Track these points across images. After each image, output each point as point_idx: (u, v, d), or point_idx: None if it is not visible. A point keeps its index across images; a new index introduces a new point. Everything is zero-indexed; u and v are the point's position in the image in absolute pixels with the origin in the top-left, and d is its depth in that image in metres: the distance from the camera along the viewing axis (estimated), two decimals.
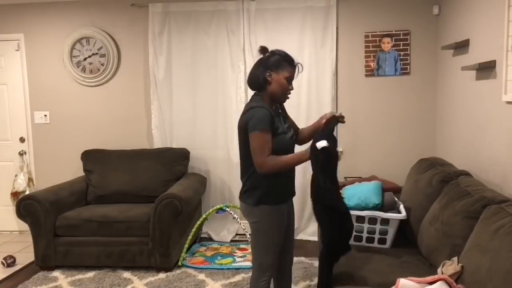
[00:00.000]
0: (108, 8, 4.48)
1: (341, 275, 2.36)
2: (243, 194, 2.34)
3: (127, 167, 4.17)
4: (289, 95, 2.36)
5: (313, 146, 2.09)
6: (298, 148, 2.32)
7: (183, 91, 4.41)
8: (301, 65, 2.36)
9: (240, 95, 4.36)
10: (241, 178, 2.36)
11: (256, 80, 2.32)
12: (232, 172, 4.44)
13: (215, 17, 4.30)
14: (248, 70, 4.27)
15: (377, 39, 4.19)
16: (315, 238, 4.23)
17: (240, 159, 2.36)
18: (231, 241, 4.38)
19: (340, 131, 4.27)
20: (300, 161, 2.18)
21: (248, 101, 2.39)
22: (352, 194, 2.91)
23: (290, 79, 2.30)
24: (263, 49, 2.34)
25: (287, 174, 2.35)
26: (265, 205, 2.28)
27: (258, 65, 2.33)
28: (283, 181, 2.33)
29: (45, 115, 4.66)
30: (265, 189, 2.26)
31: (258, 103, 2.27)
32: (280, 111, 2.40)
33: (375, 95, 4.26)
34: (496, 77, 2.76)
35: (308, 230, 4.38)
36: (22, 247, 4.35)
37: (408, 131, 4.25)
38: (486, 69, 2.90)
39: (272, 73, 2.28)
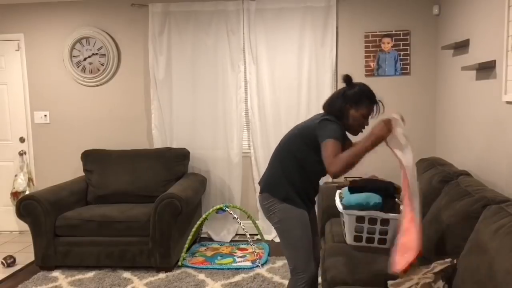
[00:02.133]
0: (108, 8, 4.48)
1: (341, 275, 2.36)
2: (271, 184, 2.33)
3: (127, 167, 4.17)
4: (362, 131, 2.33)
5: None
6: None
7: (183, 91, 4.41)
8: (382, 103, 2.32)
9: (240, 95, 4.36)
10: (270, 170, 2.36)
11: (333, 109, 2.29)
12: (232, 172, 4.44)
13: (215, 17, 4.30)
14: (248, 70, 4.32)
15: (377, 39, 4.19)
16: None
17: (278, 154, 2.35)
18: (231, 241, 4.38)
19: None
20: (367, 142, 2.11)
21: (318, 115, 2.33)
22: (356, 194, 2.90)
23: (367, 116, 2.29)
24: (346, 78, 2.31)
25: (315, 185, 2.40)
26: (289, 204, 2.29)
27: (339, 94, 2.30)
28: (309, 189, 2.37)
29: (45, 115, 4.66)
30: (292, 191, 2.29)
31: (332, 119, 2.23)
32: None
33: None
34: (496, 77, 2.76)
35: None
36: (22, 247, 4.35)
37: (408, 131, 4.22)
38: (486, 69, 2.90)
39: (350, 107, 2.26)
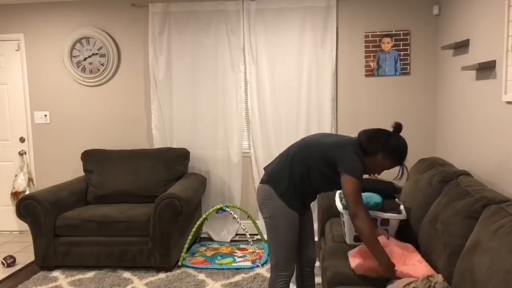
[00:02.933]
0: (108, 8, 4.48)
1: (341, 275, 2.36)
2: (275, 178, 2.34)
3: (127, 167, 4.17)
4: (370, 175, 2.39)
5: None
6: None
7: (183, 91, 4.41)
8: (407, 169, 2.35)
9: (240, 95, 4.36)
10: (277, 165, 2.37)
11: (369, 146, 2.29)
12: (232, 172, 4.44)
13: (215, 17, 4.30)
14: (248, 70, 4.32)
15: (377, 39, 4.19)
16: (315, 238, 4.22)
17: (289, 154, 2.36)
18: (231, 241, 4.38)
19: (340, 131, 4.27)
20: (381, 252, 2.20)
21: (349, 141, 2.32)
22: None
23: (387, 168, 2.32)
24: (398, 127, 2.33)
25: (313, 197, 2.43)
26: (284, 203, 2.31)
27: (382, 137, 2.30)
28: (308, 199, 2.40)
29: (45, 115, 4.66)
30: (292, 193, 2.32)
31: (359, 154, 2.26)
32: None
33: (375, 95, 4.26)
34: (496, 77, 2.76)
35: None
36: (22, 247, 4.35)
37: (408, 131, 4.25)
38: (486, 69, 2.90)
39: (380, 155, 2.28)
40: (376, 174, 2.37)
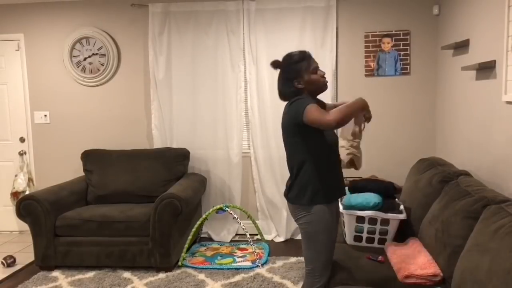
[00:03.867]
0: (108, 8, 4.48)
1: (341, 275, 2.36)
2: (293, 194, 2.27)
3: (127, 167, 4.17)
4: (326, 82, 2.30)
5: None
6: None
7: (183, 91, 4.41)
8: (310, 54, 2.30)
9: (240, 95, 4.36)
10: (290, 178, 2.31)
11: (290, 94, 2.26)
12: (232, 172, 4.44)
13: (215, 17, 4.30)
14: (248, 70, 4.32)
15: (377, 39, 4.19)
16: None
17: (287, 159, 2.30)
18: (231, 241, 4.38)
19: (340, 130, 4.27)
20: (359, 105, 2.12)
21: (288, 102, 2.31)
22: (356, 194, 2.91)
23: (316, 69, 2.26)
24: (275, 63, 2.29)
25: (336, 170, 2.32)
26: (319, 204, 2.21)
27: (283, 81, 2.27)
28: (333, 176, 2.28)
29: (45, 115, 4.66)
30: (317, 185, 2.20)
31: (297, 98, 2.22)
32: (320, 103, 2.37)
33: (375, 95, 4.26)
34: (496, 77, 2.76)
35: None
36: (22, 247, 4.35)
37: (408, 131, 4.26)
38: (486, 69, 2.90)
39: (300, 80, 2.23)
40: (322, 80, 2.27)
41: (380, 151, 4.31)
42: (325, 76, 2.29)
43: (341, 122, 2.06)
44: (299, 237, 4.30)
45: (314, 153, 2.21)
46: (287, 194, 2.32)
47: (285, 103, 2.33)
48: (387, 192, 2.91)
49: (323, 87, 2.29)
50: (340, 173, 2.36)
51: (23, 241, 4.51)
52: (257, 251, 4.00)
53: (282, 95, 2.31)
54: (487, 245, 1.84)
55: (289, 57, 2.27)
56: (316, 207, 2.21)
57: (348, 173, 4.23)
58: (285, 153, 2.35)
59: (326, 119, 2.05)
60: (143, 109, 4.55)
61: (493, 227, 1.88)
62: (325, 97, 4.21)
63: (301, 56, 2.25)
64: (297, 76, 2.23)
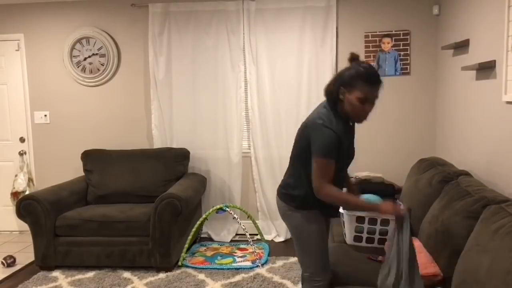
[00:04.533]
0: (108, 8, 4.48)
1: (341, 275, 2.36)
2: (285, 193, 2.26)
3: (127, 167, 4.18)
4: (366, 118, 2.08)
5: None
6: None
7: (183, 91, 4.41)
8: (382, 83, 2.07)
9: (240, 95, 4.36)
10: (286, 175, 2.29)
11: (329, 93, 2.11)
12: (232, 172, 4.44)
13: (215, 17, 4.30)
14: (248, 70, 4.32)
15: (377, 39, 4.19)
16: None
17: (291, 158, 2.27)
18: (231, 241, 4.38)
19: None
20: (365, 209, 2.07)
21: (320, 106, 2.17)
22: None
23: (364, 100, 2.01)
24: (352, 57, 2.11)
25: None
26: (305, 210, 2.20)
27: (335, 79, 2.10)
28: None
29: (45, 115, 4.66)
30: (306, 195, 2.18)
31: (327, 120, 2.06)
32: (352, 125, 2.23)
33: None
34: (496, 77, 2.76)
35: None
36: (22, 247, 4.35)
37: (408, 131, 4.26)
38: (486, 69, 2.90)
39: (345, 91, 2.05)
40: (367, 112, 2.06)
41: (380, 151, 4.31)
42: (367, 111, 2.06)
43: (328, 201, 2.06)
44: None
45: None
46: (280, 191, 2.30)
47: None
48: (387, 193, 2.91)
49: (355, 119, 2.10)
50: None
51: (23, 241, 4.51)
52: (257, 251, 4.00)
53: (325, 91, 2.15)
54: (487, 245, 1.84)
55: (359, 65, 2.06)
56: (304, 212, 2.21)
57: (349, 173, 4.23)
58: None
59: (316, 184, 2.04)
60: (143, 109, 4.55)
61: (493, 227, 1.88)
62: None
63: (370, 78, 2.01)
64: (346, 86, 2.04)
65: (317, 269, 2.26)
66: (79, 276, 3.58)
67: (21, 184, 4.54)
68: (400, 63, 4.19)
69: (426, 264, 2.27)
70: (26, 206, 3.60)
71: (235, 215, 3.99)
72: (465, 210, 2.22)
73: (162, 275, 3.57)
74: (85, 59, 4.52)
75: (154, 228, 3.54)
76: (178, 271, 3.63)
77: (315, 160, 2.05)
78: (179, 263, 3.74)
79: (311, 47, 4.21)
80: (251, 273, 3.54)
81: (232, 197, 4.48)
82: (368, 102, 2.03)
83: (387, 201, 2.08)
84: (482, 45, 2.99)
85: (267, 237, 4.41)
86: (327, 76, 4.22)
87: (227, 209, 4.02)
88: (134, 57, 4.51)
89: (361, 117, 2.07)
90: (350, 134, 2.20)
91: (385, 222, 2.77)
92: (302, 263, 2.29)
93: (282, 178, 2.37)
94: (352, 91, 2.02)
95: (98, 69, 4.52)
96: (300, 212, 2.21)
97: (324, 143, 2.03)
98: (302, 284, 2.33)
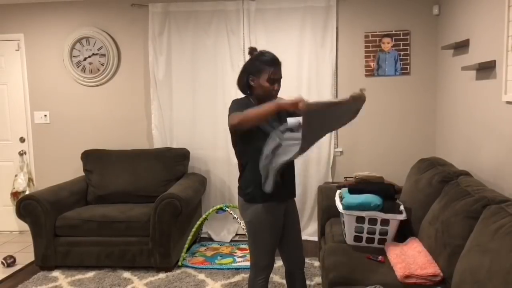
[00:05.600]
0: (108, 8, 4.48)
1: (341, 276, 2.36)
2: (239, 189, 2.38)
3: (127, 167, 4.18)
4: (275, 95, 2.30)
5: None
6: None
7: (183, 91, 4.41)
8: (278, 61, 2.29)
9: (240, 95, 4.35)
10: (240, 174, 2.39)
11: (240, 85, 2.35)
12: (232, 172, 4.44)
13: (215, 17, 4.30)
14: None
15: (377, 39, 4.19)
16: (315, 238, 4.23)
17: (238, 158, 2.38)
18: (231, 241, 4.38)
19: (339, 131, 4.27)
20: (268, 110, 2.05)
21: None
22: (356, 195, 2.91)
23: (273, 80, 2.26)
24: (251, 50, 2.33)
25: (282, 175, 2.22)
26: (256, 204, 2.27)
27: (243, 70, 2.33)
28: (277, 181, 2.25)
29: (45, 115, 4.66)
30: (257, 186, 2.23)
31: (238, 100, 2.31)
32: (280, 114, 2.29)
33: (375, 95, 4.26)
34: (496, 77, 2.76)
35: (308, 230, 4.38)
36: (22, 247, 4.35)
37: (408, 131, 4.26)
38: (486, 69, 2.90)
39: (254, 78, 2.28)
40: (275, 89, 2.25)
41: (380, 151, 4.31)
42: (276, 92, 2.29)
43: (239, 126, 2.10)
44: None
45: (253, 156, 2.22)
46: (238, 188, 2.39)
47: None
48: (387, 193, 2.91)
49: (268, 98, 2.23)
50: (286, 177, 2.32)
51: (23, 241, 4.51)
52: None
53: (237, 84, 2.38)
54: (487, 245, 1.84)
55: (261, 54, 2.30)
56: (256, 206, 2.27)
57: (348, 173, 4.23)
58: None
59: (230, 120, 2.15)
60: (143, 109, 4.55)
61: (493, 227, 1.88)
62: (325, 97, 4.23)
63: (271, 61, 2.26)
64: (255, 73, 2.26)
65: (263, 262, 2.34)
66: (79, 276, 3.58)
67: (21, 184, 4.54)
68: (400, 63, 4.19)
69: (426, 264, 2.27)
70: (26, 206, 3.61)
71: (235, 215, 3.99)
72: (465, 210, 2.22)
73: (162, 275, 3.57)
74: (85, 59, 4.52)
75: (154, 228, 3.54)
76: (178, 271, 3.63)
77: (229, 120, 2.16)
78: (179, 263, 3.74)
79: (311, 47, 4.21)
80: None
81: (232, 197, 4.48)
82: (276, 82, 2.27)
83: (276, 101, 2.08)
84: (482, 45, 2.99)
85: None
86: (327, 76, 4.23)
87: (227, 209, 4.02)
88: (134, 57, 4.51)
89: (272, 96, 2.27)
90: (280, 119, 2.33)
91: (385, 223, 2.77)
92: (250, 252, 2.39)
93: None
94: (261, 76, 2.25)
95: (98, 69, 4.52)
96: (251, 206, 2.29)
97: (232, 107, 2.23)
98: (250, 269, 2.42)
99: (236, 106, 2.23)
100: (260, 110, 2.06)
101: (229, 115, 2.20)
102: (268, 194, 2.19)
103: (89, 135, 4.63)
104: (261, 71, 2.25)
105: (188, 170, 4.44)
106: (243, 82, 2.32)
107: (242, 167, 2.33)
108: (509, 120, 2.59)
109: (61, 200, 3.81)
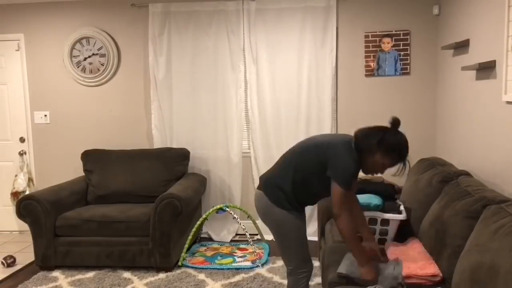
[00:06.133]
0: (108, 8, 4.48)
1: (341, 276, 2.36)
2: (270, 190, 2.30)
3: (127, 167, 4.17)
4: (373, 175, 2.26)
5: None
6: None
7: (183, 91, 4.41)
8: (409, 162, 2.20)
9: (240, 95, 4.36)
10: (275, 172, 2.33)
11: (364, 144, 2.18)
12: (232, 172, 4.44)
13: (215, 17, 4.30)
14: (248, 70, 4.32)
15: (377, 39, 4.19)
16: (315, 238, 4.23)
17: (286, 161, 2.32)
18: (231, 241, 4.38)
19: (340, 131, 4.27)
20: (360, 253, 2.18)
21: (345, 137, 2.25)
22: (356, 195, 2.91)
23: (387, 167, 2.18)
24: (394, 122, 2.19)
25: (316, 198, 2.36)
26: (282, 209, 2.27)
27: (378, 134, 2.17)
28: (311, 199, 2.35)
29: (45, 115, 4.66)
30: (291, 202, 2.27)
31: (354, 155, 2.15)
32: None
33: (375, 95, 4.26)
34: (496, 77, 2.76)
35: (308, 230, 4.38)
36: (22, 247, 4.35)
37: (408, 131, 4.25)
38: (486, 69, 2.90)
39: (380, 155, 2.15)
40: (379, 174, 2.24)
41: None
42: (382, 172, 2.24)
43: (340, 227, 2.16)
44: None
45: (313, 184, 2.25)
46: (263, 184, 2.35)
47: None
48: (387, 194, 2.91)
49: (366, 171, 2.24)
50: (309, 203, 2.38)
51: (23, 241, 4.51)
52: (257, 251, 4.00)
53: (361, 136, 2.21)
54: (487, 245, 1.84)
55: (404, 141, 2.17)
56: (281, 210, 2.28)
57: None
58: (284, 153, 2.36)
59: (336, 210, 2.14)
60: (143, 109, 4.55)
61: (493, 227, 1.88)
62: (325, 97, 4.23)
63: (403, 153, 2.16)
64: (385, 155, 2.15)
65: (300, 262, 2.34)
66: (79, 276, 3.58)
67: (21, 184, 4.54)
68: (400, 63, 4.19)
69: (426, 264, 2.27)
70: (26, 206, 3.61)
71: (235, 215, 3.99)
72: (465, 210, 2.22)
73: (162, 275, 3.57)
74: (85, 59, 4.52)
75: (154, 228, 3.54)
76: (178, 271, 3.63)
77: (337, 188, 2.14)
78: (179, 263, 3.74)
79: (311, 47, 4.21)
80: (251, 273, 3.54)
81: (232, 197, 4.48)
82: (386, 168, 2.20)
83: (369, 267, 2.19)
84: (482, 45, 2.99)
85: (267, 237, 4.40)
86: (327, 76, 4.22)
87: (227, 209, 4.02)
88: (134, 57, 4.51)
89: (372, 173, 2.25)
90: None
91: (385, 223, 2.77)
92: (285, 258, 2.37)
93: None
94: (385, 157, 2.16)
95: (98, 69, 4.52)
96: (279, 209, 2.28)
97: (349, 175, 2.14)
98: (287, 278, 2.41)
99: (349, 175, 2.13)
100: (357, 249, 2.17)
101: (334, 175, 2.13)
102: (297, 206, 2.29)
103: (89, 135, 4.63)
104: (390, 154, 2.14)
105: (188, 170, 4.44)
106: (369, 144, 2.16)
107: (295, 178, 2.25)
108: (509, 120, 2.59)
109: (61, 200, 3.81)
